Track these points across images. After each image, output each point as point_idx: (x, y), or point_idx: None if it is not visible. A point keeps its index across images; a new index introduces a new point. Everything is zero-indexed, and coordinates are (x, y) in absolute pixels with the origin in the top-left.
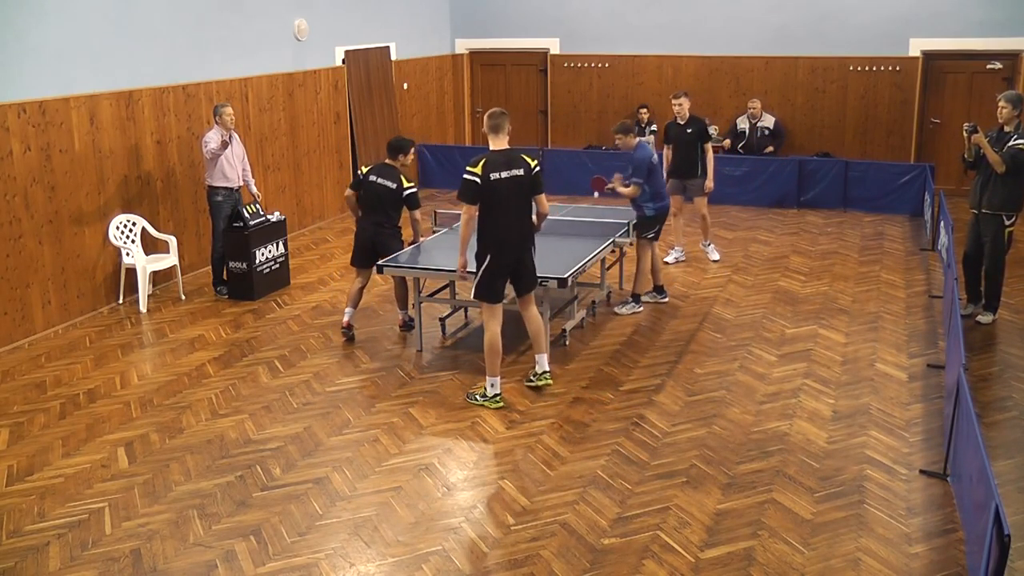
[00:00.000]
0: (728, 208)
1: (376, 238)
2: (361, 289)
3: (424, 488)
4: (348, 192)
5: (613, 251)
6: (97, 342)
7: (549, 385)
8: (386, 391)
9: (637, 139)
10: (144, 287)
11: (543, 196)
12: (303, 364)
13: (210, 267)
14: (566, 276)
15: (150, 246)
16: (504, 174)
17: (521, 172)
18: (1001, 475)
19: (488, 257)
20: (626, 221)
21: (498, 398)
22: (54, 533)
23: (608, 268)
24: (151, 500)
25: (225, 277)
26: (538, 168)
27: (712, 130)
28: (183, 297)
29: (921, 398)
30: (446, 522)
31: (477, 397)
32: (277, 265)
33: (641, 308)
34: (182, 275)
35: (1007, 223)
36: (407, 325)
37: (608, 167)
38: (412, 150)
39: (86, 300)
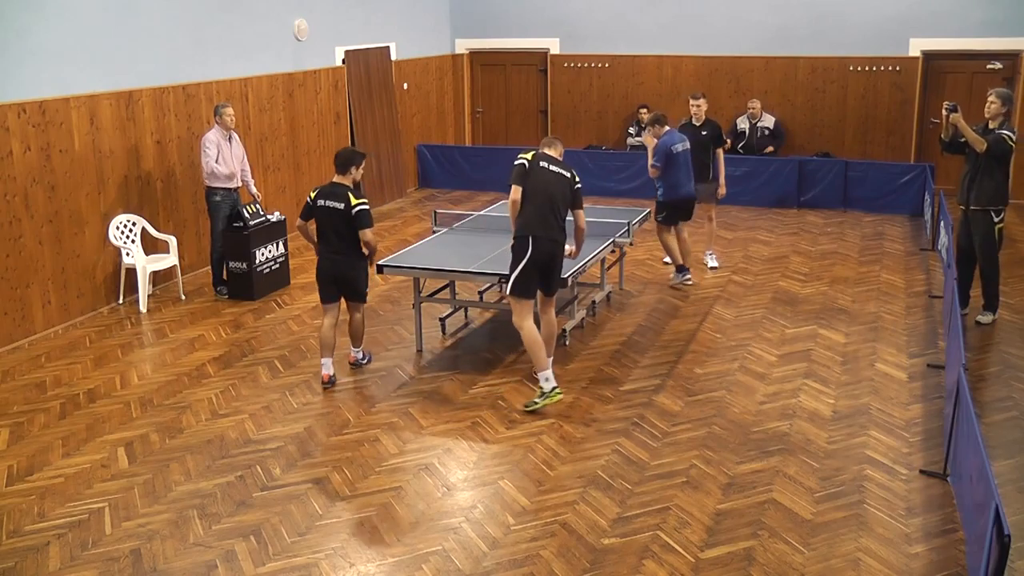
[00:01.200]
0: (728, 208)
1: (335, 271)
2: (332, 328)
3: (424, 488)
4: (298, 223)
5: (613, 251)
6: (97, 342)
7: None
8: (386, 391)
9: (666, 128)
10: (144, 287)
11: (582, 212)
12: (303, 364)
13: (210, 267)
14: (566, 276)
15: (150, 246)
16: (552, 167)
17: (568, 175)
18: (1001, 475)
19: (527, 253)
20: (626, 221)
21: (557, 390)
22: (54, 533)
23: (608, 268)
24: (151, 500)
25: (225, 277)
26: (579, 185)
27: None
28: (183, 297)
29: (921, 398)
30: (446, 522)
31: (536, 401)
32: (277, 265)
33: (690, 277)
34: (182, 275)
35: (996, 220)
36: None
37: (609, 167)
38: (363, 162)
39: (86, 300)
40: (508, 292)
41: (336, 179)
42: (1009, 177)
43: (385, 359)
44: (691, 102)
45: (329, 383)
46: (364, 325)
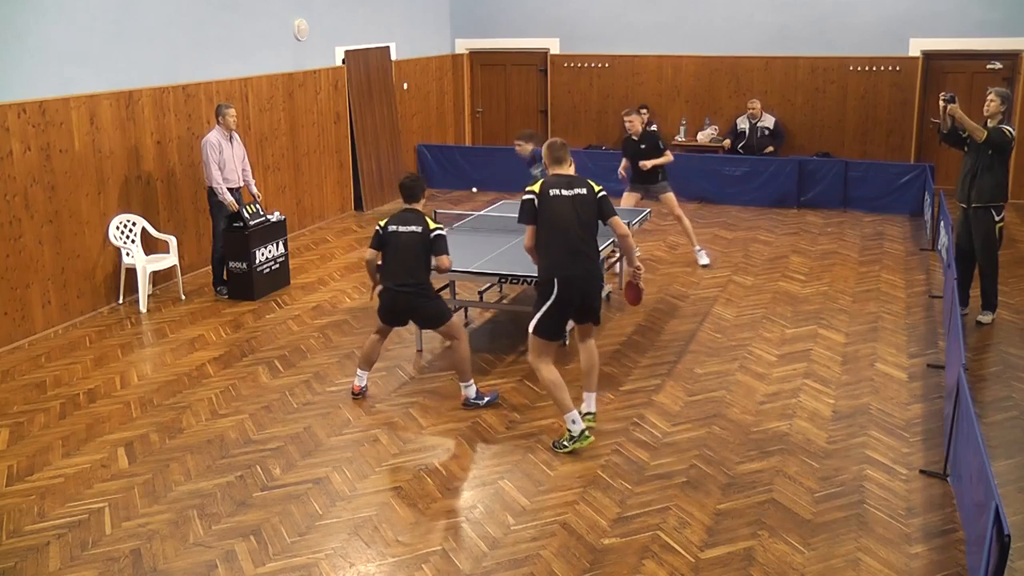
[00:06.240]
0: (728, 208)
1: (400, 305)
2: (379, 343)
3: (424, 488)
4: (369, 254)
5: (613, 251)
6: (97, 342)
7: (592, 428)
8: (386, 391)
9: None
10: (144, 287)
11: (617, 219)
12: (303, 364)
13: (210, 267)
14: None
15: (150, 246)
16: (565, 191)
17: (584, 191)
18: (1001, 475)
19: (555, 290)
20: (626, 221)
21: (586, 433)
22: (54, 533)
23: (607, 268)
24: (151, 500)
25: (225, 277)
26: (604, 193)
27: (712, 129)
28: (183, 297)
29: (921, 398)
30: (446, 522)
31: (565, 444)
32: (277, 265)
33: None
34: (182, 275)
35: (997, 218)
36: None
37: (609, 167)
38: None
39: (86, 300)
40: (530, 331)
41: (407, 206)
42: (1009, 173)
43: (385, 359)
44: (625, 119)
45: (359, 394)
46: (469, 356)
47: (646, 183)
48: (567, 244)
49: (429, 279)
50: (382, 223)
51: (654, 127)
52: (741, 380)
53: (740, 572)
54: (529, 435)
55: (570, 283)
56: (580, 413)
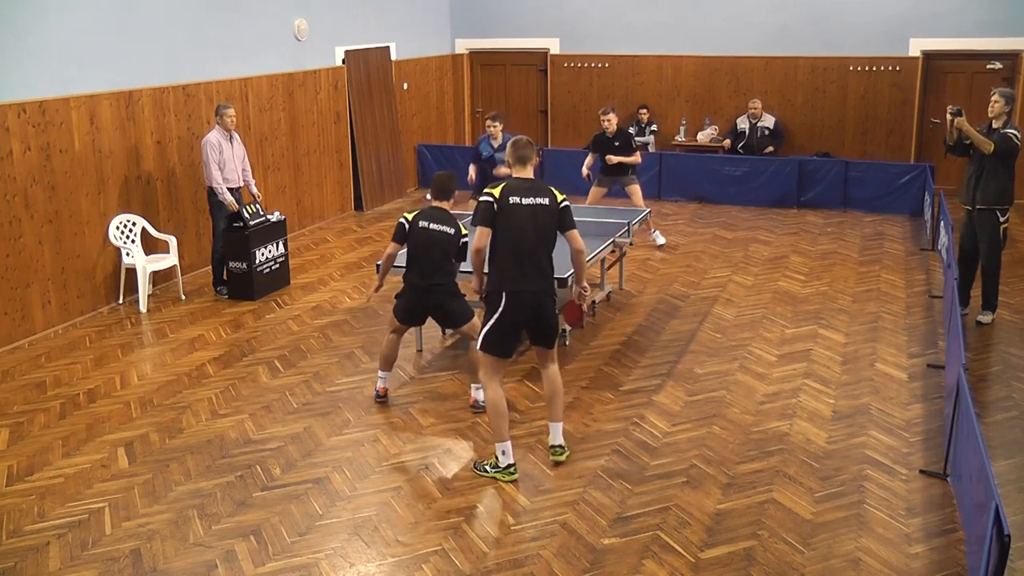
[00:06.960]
0: (728, 208)
1: (430, 301)
2: (398, 343)
3: (424, 488)
4: (392, 248)
5: (613, 251)
6: (97, 342)
7: (562, 461)
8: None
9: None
10: (144, 287)
11: (575, 233)
12: (303, 364)
13: (210, 267)
14: (566, 276)
15: (150, 246)
16: (525, 200)
17: (546, 201)
18: (1001, 475)
19: (502, 304)
20: (626, 221)
21: (512, 469)
22: (54, 533)
23: (608, 268)
24: (151, 500)
25: (225, 277)
26: (567, 203)
27: (712, 129)
28: (183, 297)
29: (921, 398)
30: (446, 522)
31: (487, 468)
32: (277, 265)
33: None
34: (182, 275)
35: (1002, 219)
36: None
37: None
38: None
39: (86, 300)
40: (477, 346)
41: (435, 204)
42: (1014, 177)
43: None
44: (602, 118)
45: (384, 397)
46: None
47: (616, 175)
48: (520, 257)
49: (455, 279)
50: (408, 216)
51: (654, 127)
52: (741, 380)
53: (740, 572)
54: (529, 435)
55: (519, 299)
56: (550, 445)
